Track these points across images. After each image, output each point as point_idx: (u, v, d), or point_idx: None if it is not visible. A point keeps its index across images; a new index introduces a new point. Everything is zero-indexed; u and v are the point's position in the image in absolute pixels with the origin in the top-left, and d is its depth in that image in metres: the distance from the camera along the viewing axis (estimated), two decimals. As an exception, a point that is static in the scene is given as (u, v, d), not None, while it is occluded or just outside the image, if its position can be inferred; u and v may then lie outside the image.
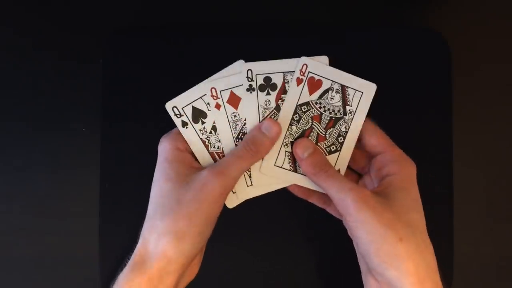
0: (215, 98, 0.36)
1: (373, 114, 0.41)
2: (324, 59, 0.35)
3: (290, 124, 0.36)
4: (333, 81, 0.35)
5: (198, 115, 0.36)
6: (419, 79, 0.41)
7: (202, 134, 0.36)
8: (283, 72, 0.35)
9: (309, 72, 0.35)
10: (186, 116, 0.36)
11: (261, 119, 0.36)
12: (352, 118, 0.35)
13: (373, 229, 0.30)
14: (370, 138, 0.35)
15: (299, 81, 0.35)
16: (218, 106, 0.36)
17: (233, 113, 0.36)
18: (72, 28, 0.42)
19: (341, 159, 0.36)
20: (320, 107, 0.36)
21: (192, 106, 0.36)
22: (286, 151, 0.36)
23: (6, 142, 0.42)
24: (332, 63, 0.36)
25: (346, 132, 0.36)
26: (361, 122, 0.35)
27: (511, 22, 0.43)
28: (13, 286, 0.41)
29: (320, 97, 0.35)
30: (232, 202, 0.37)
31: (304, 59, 0.35)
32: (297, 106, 0.35)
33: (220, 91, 0.36)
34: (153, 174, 0.40)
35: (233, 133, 0.36)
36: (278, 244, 0.41)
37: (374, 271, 0.31)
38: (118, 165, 0.41)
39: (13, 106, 0.42)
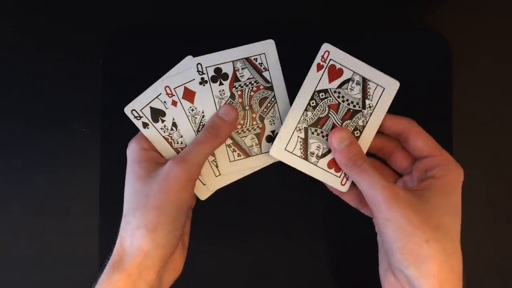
0: (170, 95, 0.37)
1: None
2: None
3: (306, 110, 0.35)
4: (354, 72, 0.34)
5: (157, 114, 0.37)
6: (419, 79, 0.41)
7: (164, 132, 0.37)
8: (232, 61, 0.36)
9: (330, 59, 0.34)
10: (146, 117, 0.37)
11: (218, 109, 0.36)
12: (371, 113, 0.34)
13: (401, 227, 0.30)
14: (417, 140, 0.34)
15: (319, 67, 0.34)
16: (174, 103, 0.37)
17: (190, 107, 0.37)
18: (72, 28, 0.42)
19: None
20: (338, 97, 0.35)
21: (150, 107, 0.37)
22: (299, 136, 0.35)
23: (6, 142, 0.42)
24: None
25: (364, 126, 0.35)
26: (380, 119, 0.34)
27: (511, 22, 0.43)
28: (13, 286, 0.41)
29: (340, 86, 0.34)
30: (203, 193, 0.37)
31: (326, 46, 0.34)
32: (314, 92, 0.34)
33: (174, 88, 0.37)
34: (153, 174, 0.40)
35: (193, 126, 0.37)
36: (278, 243, 0.41)
37: (394, 268, 0.31)
38: (118, 165, 0.41)
39: (13, 106, 0.42)
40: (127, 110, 0.37)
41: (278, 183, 0.40)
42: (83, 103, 0.42)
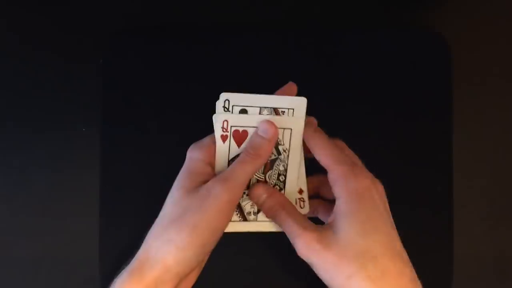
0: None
1: (373, 114, 0.41)
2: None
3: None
4: (258, 123, 0.34)
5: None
6: (419, 80, 0.41)
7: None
8: (260, 107, 0.34)
9: (231, 126, 0.34)
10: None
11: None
12: (288, 155, 0.35)
13: (324, 271, 0.30)
14: (316, 155, 0.34)
15: (224, 138, 0.34)
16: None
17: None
18: (72, 28, 0.42)
19: (289, 195, 0.36)
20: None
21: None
22: (249, 203, 0.36)
23: (6, 142, 0.42)
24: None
25: (286, 169, 0.35)
26: (297, 156, 0.35)
27: (511, 22, 0.43)
28: (13, 286, 0.41)
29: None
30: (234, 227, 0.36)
31: (220, 116, 0.34)
32: (229, 161, 0.35)
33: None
34: (153, 174, 0.41)
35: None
36: (278, 244, 0.41)
37: None
38: (118, 165, 0.41)
39: (13, 106, 0.42)
40: (220, 118, 0.34)
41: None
42: (83, 103, 0.42)
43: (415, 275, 0.31)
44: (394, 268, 0.29)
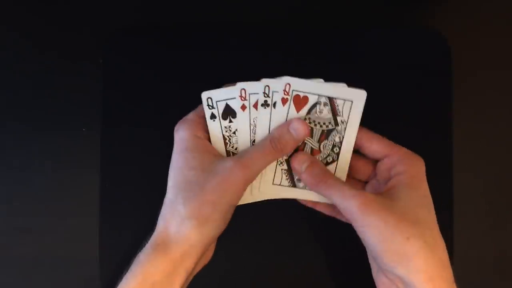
0: (242, 99, 0.36)
1: (373, 115, 0.41)
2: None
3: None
4: (319, 95, 0.35)
5: (229, 113, 0.36)
6: (419, 79, 0.41)
7: (226, 131, 0.36)
8: (318, 95, 0.35)
9: (293, 90, 0.35)
10: (217, 110, 0.36)
11: (267, 132, 0.36)
12: (345, 128, 0.35)
13: (380, 231, 0.31)
14: (371, 144, 0.35)
15: (284, 101, 0.35)
16: (243, 108, 0.36)
17: (256, 118, 0.36)
18: (72, 28, 0.42)
19: (340, 168, 0.36)
20: (310, 122, 0.35)
21: (226, 103, 0.36)
22: (282, 169, 0.36)
23: (6, 142, 0.42)
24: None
25: (341, 142, 0.36)
26: (355, 130, 0.35)
27: (511, 22, 0.43)
28: (13, 286, 0.41)
29: (309, 112, 0.35)
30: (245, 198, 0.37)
31: (286, 79, 0.35)
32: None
33: (250, 94, 0.36)
34: (153, 174, 0.40)
35: (251, 136, 0.36)
36: (283, 243, 0.41)
37: (384, 270, 0.32)
38: (118, 165, 0.41)
39: (13, 106, 0.42)
40: (204, 95, 0.36)
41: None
42: (83, 103, 0.42)
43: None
44: (441, 241, 0.32)
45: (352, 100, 0.35)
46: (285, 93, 0.35)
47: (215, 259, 0.38)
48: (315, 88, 0.35)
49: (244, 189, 0.34)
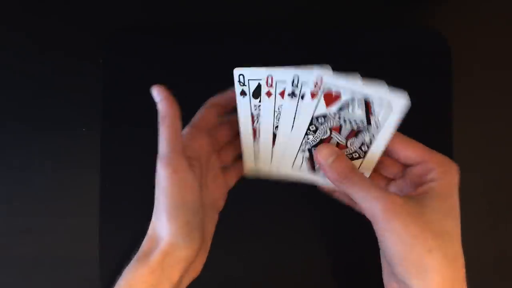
0: (268, 85, 0.34)
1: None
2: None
3: (306, 134, 0.34)
4: (354, 92, 0.32)
5: (260, 93, 0.35)
6: (419, 79, 0.41)
7: (255, 110, 0.35)
8: (353, 92, 0.33)
9: (324, 85, 0.33)
10: (249, 88, 0.34)
11: (291, 123, 0.34)
12: (378, 129, 0.33)
13: (401, 239, 0.29)
14: (406, 150, 0.33)
15: (313, 95, 0.33)
16: (269, 94, 0.35)
17: (281, 105, 0.34)
18: (72, 28, 0.42)
19: (365, 166, 0.34)
20: (339, 118, 0.33)
21: (259, 83, 0.34)
22: (303, 156, 0.35)
23: (6, 142, 0.42)
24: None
25: (371, 142, 0.34)
26: (389, 133, 0.33)
27: (511, 21, 0.43)
28: (13, 286, 0.41)
29: (340, 109, 0.33)
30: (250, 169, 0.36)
31: (318, 72, 0.32)
32: (313, 118, 0.34)
33: (277, 81, 0.34)
34: (153, 174, 0.40)
35: (274, 123, 0.35)
36: (286, 242, 0.41)
37: (397, 277, 0.31)
38: (118, 165, 0.41)
39: (13, 106, 0.42)
40: (236, 72, 0.34)
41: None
42: (83, 103, 0.42)
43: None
44: (461, 257, 0.31)
45: (391, 103, 0.32)
46: (316, 86, 0.33)
47: (215, 259, 0.38)
48: (350, 86, 0.32)
49: (180, 178, 0.32)
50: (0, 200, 0.41)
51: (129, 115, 0.41)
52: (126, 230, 0.40)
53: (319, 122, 0.34)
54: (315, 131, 0.34)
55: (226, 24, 0.43)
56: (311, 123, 0.34)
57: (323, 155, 0.33)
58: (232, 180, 0.38)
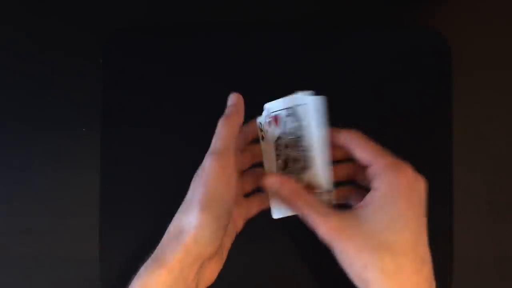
0: (260, 130, 0.37)
1: (372, 115, 0.41)
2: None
3: (276, 160, 0.37)
4: (283, 109, 0.36)
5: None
6: (419, 79, 0.41)
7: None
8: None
9: (271, 113, 0.36)
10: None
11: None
12: (310, 130, 0.35)
13: (342, 257, 0.31)
14: (356, 150, 0.34)
15: (271, 123, 0.36)
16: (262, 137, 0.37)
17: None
18: (72, 28, 0.42)
19: (318, 174, 0.35)
20: (285, 134, 0.36)
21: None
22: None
23: (6, 142, 0.42)
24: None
25: (311, 145, 0.35)
26: (318, 132, 0.35)
27: (511, 21, 0.43)
28: (13, 286, 0.42)
29: (284, 126, 0.36)
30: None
31: (265, 106, 0.37)
32: (274, 143, 0.37)
33: (260, 123, 0.37)
34: (153, 174, 0.41)
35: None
36: (283, 243, 0.41)
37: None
38: (118, 165, 0.41)
39: (13, 106, 0.42)
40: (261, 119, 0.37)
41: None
42: (83, 103, 0.42)
43: (431, 276, 0.31)
44: (410, 266, 0.30)
45: (307, 103, 0.35)
46: (269, 116, 0.37)
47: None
48: (280, 105, 0.36)
49: (225, 173, 0.32)
50: (0, 200, 0.41)
51: (129, 115, 0.41)
52: (126, 230, 0.40)
53: (279, 144, 0.37)
54: (279, 155, 0.37)
55: (226, 24, 0.43)
56: (276, 149, 0.37)
57: (267, 186, 0.35)
58: (252, 210, 0.38)
